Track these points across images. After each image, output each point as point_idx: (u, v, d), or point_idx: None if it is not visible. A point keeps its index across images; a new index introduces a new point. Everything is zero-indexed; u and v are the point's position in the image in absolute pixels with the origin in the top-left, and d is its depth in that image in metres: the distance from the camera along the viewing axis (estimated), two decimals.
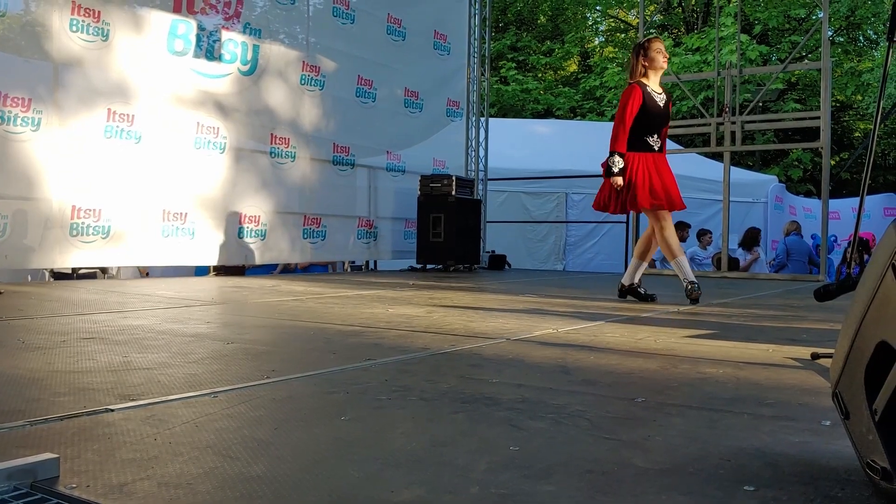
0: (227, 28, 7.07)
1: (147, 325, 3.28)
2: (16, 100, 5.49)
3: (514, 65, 21.67)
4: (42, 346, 2.63)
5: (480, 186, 10.01)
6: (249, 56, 7.27)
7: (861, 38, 21.71)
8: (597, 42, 25.27)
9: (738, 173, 12.88)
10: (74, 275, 6.67)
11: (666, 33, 21.26)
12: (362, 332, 3.14)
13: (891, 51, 2.47)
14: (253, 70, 7.32)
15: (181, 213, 6.64)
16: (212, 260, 7.00)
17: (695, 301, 4.77)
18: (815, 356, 2.57)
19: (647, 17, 12.28)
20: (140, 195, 6.29)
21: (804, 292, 6.15)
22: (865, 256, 9.12)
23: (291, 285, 5.96)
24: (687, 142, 16.17)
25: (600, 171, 4.98)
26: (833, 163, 18.74)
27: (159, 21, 6.51)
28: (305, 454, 1.42)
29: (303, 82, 7.82)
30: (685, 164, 10.86)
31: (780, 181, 15.85)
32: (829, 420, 1.69)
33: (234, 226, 7.12)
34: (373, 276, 8.01)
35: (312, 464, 1.36)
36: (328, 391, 1.99)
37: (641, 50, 4.94)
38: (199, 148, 6.80)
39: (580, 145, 12.13)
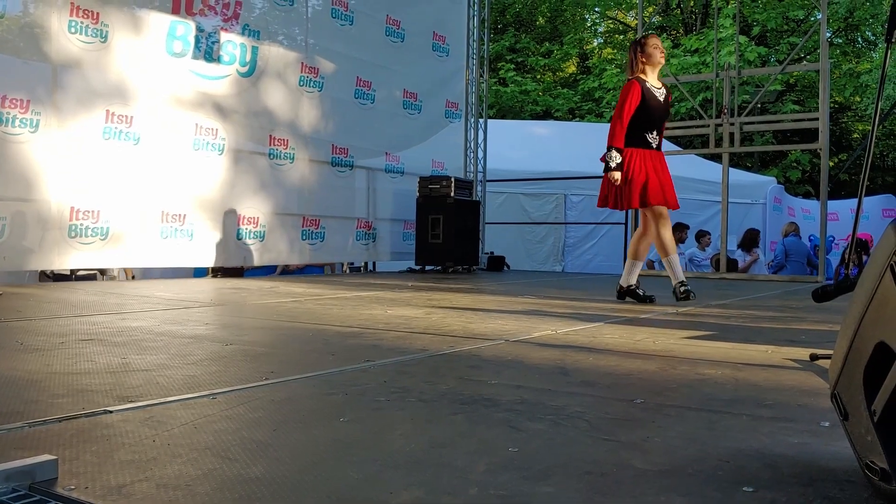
0: (226, 29, 7.07)
1: (146, 326, 3.28)
2: (14, 101, 5.49)
3: (512, 66, 21.69)
4: (41, 348, 2.63)
5: (479, 188, 10.01)
6: (248, 57, 7.27)
7: (859, 39, 21.73)
8: (595, 43, 25.29)
9: (737, 174, 12.89)
10: (73, 276, 6.66)
11: (665, 34, 21.28)
12: (361, 334, 3.14)
13: (889, 52, 2.47)
14: (252, 71, 7.32)
15: (180, 215, 6.64)
16: (210, 261, 7.00)
17: (685, 299, 4.78)
18: (813, 357, 2.57)
19: (645, 19, 12.29)
20: (139, 196, 6.29)
21: (803, 293, 6.15)
22: (864, 257, 9.13)
23: (290, 287, 5.96)
24: (686, 143, 16.18)
25: (599, 172, 4.98)
26: (832, 164, 18.76)
27: (158, 22, 6.52)
28: (304, 455, 1.42)
29: (301, 84, 7.82)
30: (684, 166, 10.87)
31: (779, 182, 15.87)
32: (827, 421, 1.69)
33: (232, 227, 7.12)
34: (371, 277, 8.01)
35: (311, 465, 1.36)
36: (327, 392, 1.99)
37: (639, 46, 4.95)
38: (197, 149, 6.80)
39: (579, 147, 12.14)
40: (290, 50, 7.80)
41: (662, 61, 4.97)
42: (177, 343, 2.80)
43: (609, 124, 4.92)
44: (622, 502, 1.19)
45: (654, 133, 4.88)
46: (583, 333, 3.28)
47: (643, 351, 2.78)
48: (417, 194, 8.77)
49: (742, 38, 16.47)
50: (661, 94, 4.91)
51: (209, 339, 2.99)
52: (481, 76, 10.21)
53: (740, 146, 8.67)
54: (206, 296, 5.11)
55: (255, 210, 7.33)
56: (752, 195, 13.09)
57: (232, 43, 7.12)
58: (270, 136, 7.51)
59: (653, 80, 4.92)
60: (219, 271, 7.28)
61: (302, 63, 7.83)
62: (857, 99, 19.75)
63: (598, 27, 25.22)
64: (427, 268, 8.85)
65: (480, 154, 10.09)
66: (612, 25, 24.60)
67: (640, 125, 4.81)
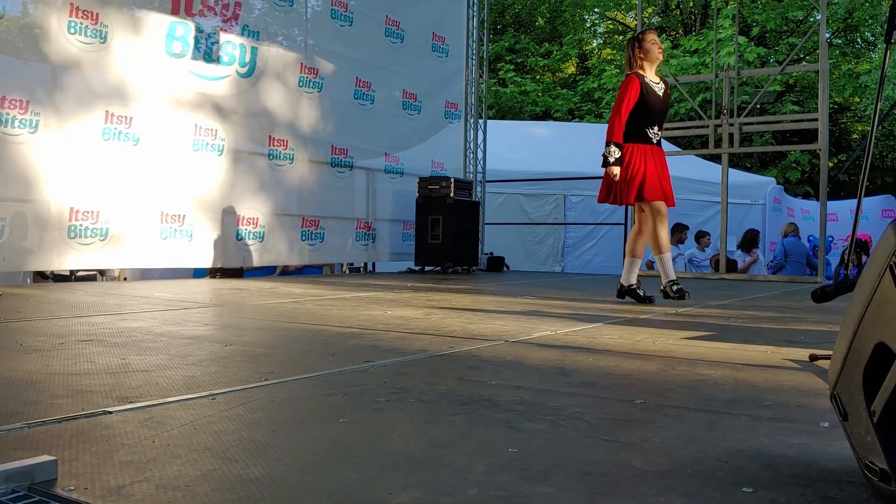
0: (226, 30, 7.07)
1: (145, 327, 3.28)
2: (14, 102, 5.49)
3: (512, 67, 21.69)
4: (40, 349, 2.63)
5: (479, 188, 10.01)
6: (248, 58, 7.28)
7: (859, 39, 21.74)
8: (595, 44, 25.29)
9: (737, 175, 12.89)
10: (73, 277, 6.66)
11: (664, 35, 21.29)
12: (361, 334, 3.14)
13: (888, 52, 2.47)
14: (251, 72, 7.32)
15: (179, 215, 6.64)
16: (210, 262, 7.00)
17: (679, 298, 4.78)
18: (813, 358, 2.57)
19: (644, 19, 12.30)
20: (138, 197, 6.29)
21: (802, 294, 6.15)
22: (864, 258, 9.13)
23: (289, 287, 5.96)
24: (685, 144, 16.18)
25: (599, 173, 4.98)
26: (831, 164, 18.77)
27: (157, 23, 6.52)
28: (304, 456, 1.42)
29: (301, 84, 7.82)
30: (683, 166, 10.87)
31: (779, 183, 15.88)
32: (827, 421, 1.70)
33: (232, 228, 7.12)
34: (371, 277, 8.01)
35: (311, 466, 1.36)
36: (326, 393, 1.99)
37: (636, 42, 4.93)
38: (197, 150, 6.80)
39: (578, 147, 12.14)
40: (290, 50, 7.81)
41: (660, 57, 4.97)
42: (176, 344, 2.80)
43: (609, 118, 4.92)
44: (622, 503, 1.19)
45: (655, 128, 4.87)
46: (582, 334, 3.28)
47: (643, 351, 2.78)
48: (417, 195, 8.77)
49: (741, 39, 16.48)
50: (660, 88, 4.91)
51: (209, 339, 2.99)
52: (481, 77, 10.22)
53: (740, 147, 8.67)
54: (206, 296, 5.11)
55: (254, 211, 7.33)
56: (751, 196, 13.09)
57: (231, 43, 7.12)
58: (270, 136, 7.51)
59: (651, 75, 4.91)
60: (218, 272, 7.28)
61: (301, 64, 7.83)
62: (857, 99, 19.76)
63: (597, 28, 25.22)
64: (426, 268, 8.85)
65: (480, 155, 10.09)
66: (611, 26, 24.61)
67: (641, 120, 4.80)
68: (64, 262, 5.89)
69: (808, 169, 19.36)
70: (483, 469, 1.33)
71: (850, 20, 19.54)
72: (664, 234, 4.86)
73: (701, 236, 10.59)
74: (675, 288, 4.85)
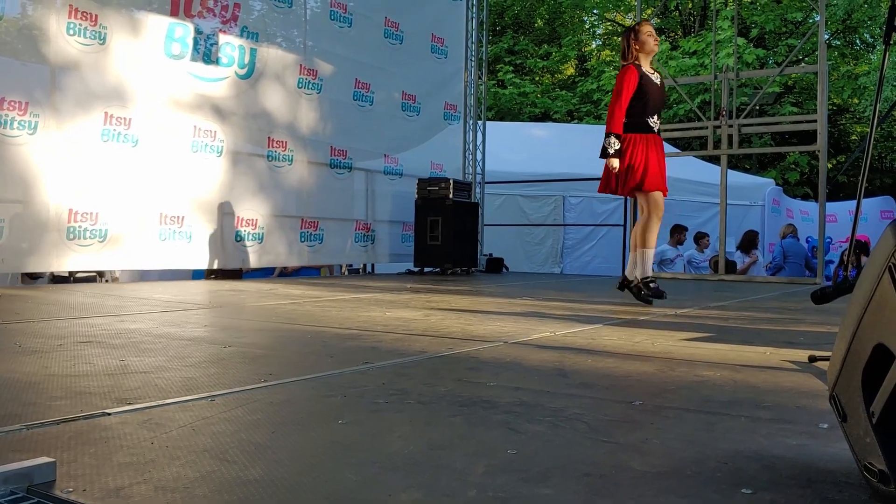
0: (225, 31, 7.07)
1: (144, 328, 3.28)
2: (13, 103, 5.49)
3: (511, 68, 21.71)
4: (39, 350, 2.63)
5: (478, 189, 10.02)
6: (247, 59, 7.28)
7: (857, 41, 21.77)
8: (594, 45, 25.32)
9: (736, 176, 12.90)
10: (72, 278, 6.65)
11: (663, 36, 21.31)
12: (360, 336, 3.14)
13: (887, 54, 2.47)
14: (250, 73, 7.32)
15: (178, 217, 6.64)
16: (209, 263, 7.00)
17: (656, 297, 4.76)
18: (812, 359, 2.57)
19: (644, 19, 12.29)
20: (137, 199, 6.29)
21: (801, 295, 6.15)
22: (863, 259, 9.14)
23: (288, 289, 5.96)
24: (684, 145, 16.19)
25: (598, 174, 4.97)
26: (830, 166, 18.78)
27: (156, 24, 6.52)
28: (303, 458, 1.42)
29: (300, 86, 7.82)
30: (682, 168, 10.88)
31: (778, 184, 15.90)
32: (826, 423, 1.70)
33: (231, 229, 7.12)
34: (370, 279, 8.01)
35: (310, 467, 1.36)
36: (325, 395, 1.99)
37: (632, 33, 4.92)
38: (196, 151, 6.79)
39: (577, 148, 12.14)
40: (289, 52, 7.81)
41: (656, 49, 4.95)
42: (175, 345, 2.80)
43: (608, 109, 4.89)
44: None
45: (655, 117, 4.87)
46: (581, 335, 3.28)
47: (642, 353, 2.78)
48: (416, 196, 8.77)
49: (740, 40, 16.50)
50: (656, 78, 4.92)
51: (208, 341, 2.99)
52: (480, 78, 10.22)
53: (739, 148, 8.67)
54: (205, 298, 5.11)
55: (253, 212, 7.33)
56: (750, 197, 13.10)
57: (230, 45, 7.12)
58: (269, 137, 7.51)
59: (647, 66, 4.90)
60: (217, 273, 7.27)
61: (300, 65, 7.84)
62: (856, 101, 19.78)
63: (596, 29, 25.24)
64: (426, 269, 8.85)
65: (479, 156, 10.10)
66: (610, 27, 24.63)
67: (640, 110, 4.78)
68: (63, 263, 5.89)
69: (807, 170, 19.38)
70: (482, 470, 1.33)
71: (848, 22, 19.56)
72: (655, 230, 4.83)
73: (700, 237, 10.59)
74: (652, 285, 4.80)
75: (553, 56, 22.62)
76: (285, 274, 8.67)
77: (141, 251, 6.34)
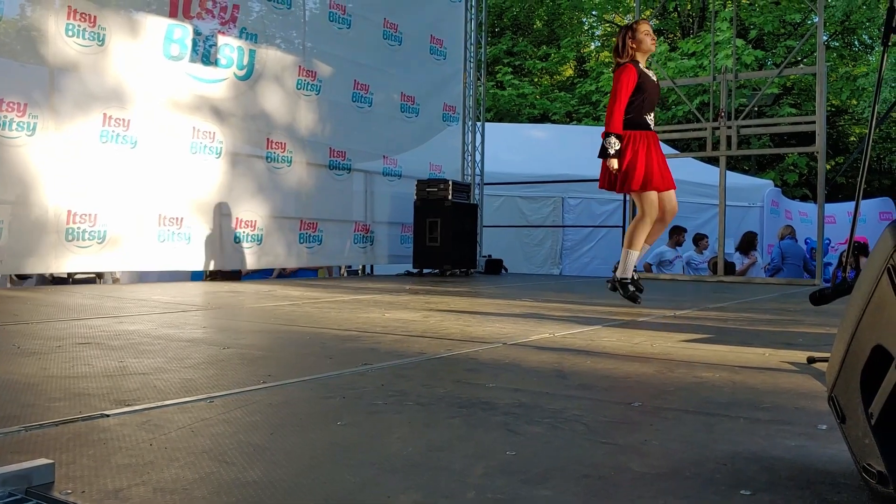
0: (224, 33, 7.07)
1: (143, 330, 3.28)
2: (11, 104, 5.48)
3: (510, 69, 21.72)
4: (37, 352, 2.62)
5: (477, 191, 10.02)
6: (245, 61, 7.28)
7: (856, 42, 21.79)
8: (593, 47, 25.34)
9: (734, 178, 12.91)
10: (70, 280, 6.65)
11: (662, 38, 21.33)
12: (358, 337, 3.14)
13: (885, 55, 2.48)
14: (249, 75, 7.32)
15: (177, 218, 6.63)
16: (208, 265, 6.99)
17: (631, 299, 4.77)
18: (811, 360, 2.57)
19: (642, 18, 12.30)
20: (136, 200, 6.28)
21: (800, 296, 6.15)
22: (862, 260, 9.14)
23: (287, 290, 5.96)
24: (683, 146, 16.20)
25: (597, 175, 4.95)
26: (828, 167, 18.78)
27: (155, 26, 6.51)
28: (301, 459, 1.42)
29: (299, 87, 7.82)
30: (681, 169, 10.86)
31: (776, 185, 15.90)
32: (825, 424, 1.70)
33: (230, 230, 7.11)
34: (369, 280, 8.01)
35: (308, 469, 1.36)
36: (324, 396, 1.98)
37: (629, 31, 4.88)
38: (195, 153, 6.79)
39: (576, 150, 12.15)
40: (288, 53, 7.81)
41: (653, 48, 4.92)
42: (174, 346, 2.80)
43: (606, 108, 4.85)
44: None
45: (651, 115, 4.87)
46: (580, 337, 3.28)
47: (641, 354, 2.78)
48: (415, 197, 8.76)
49: (739, 42, 16.51)
50: (653, 76, 4.92)
51: (206, 342, 2.99)
52: (479, 79, 10.22)
53: (737, 149, 8.68)
54: (203, 299, 5.10)
55: (252, 213, 7.33)
56: (749, 198, 13.10)
57: (229, 46, 7.12)
58: (268, 139, 7.51)
59: (643, 65, 4.89)
60: (216, 274, 7.27)
61: (299, 66, 7.84)
62: (854, 102, 19.79)
63: (595, 30, 25.26)
64: (425, 271, 8.85)
65: (478, 157, 10.10)
66: (609, 29, 24.64)
67: (639, 108, 4.75)
68: (62, 264, 5.88)
69: (805, 171, 19.40)
70: (481, 472, 1.33)
71: (847, 23, 19.58)
72: (644, 232, 4.82)
73: (699, 239, 10.60)
74: (630, 289, 4.77)
75: (552, 57, 22.64)
76: (284, 275, 8.67)
77: (140, 252, 6.34)
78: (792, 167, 19.12)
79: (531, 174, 11.86)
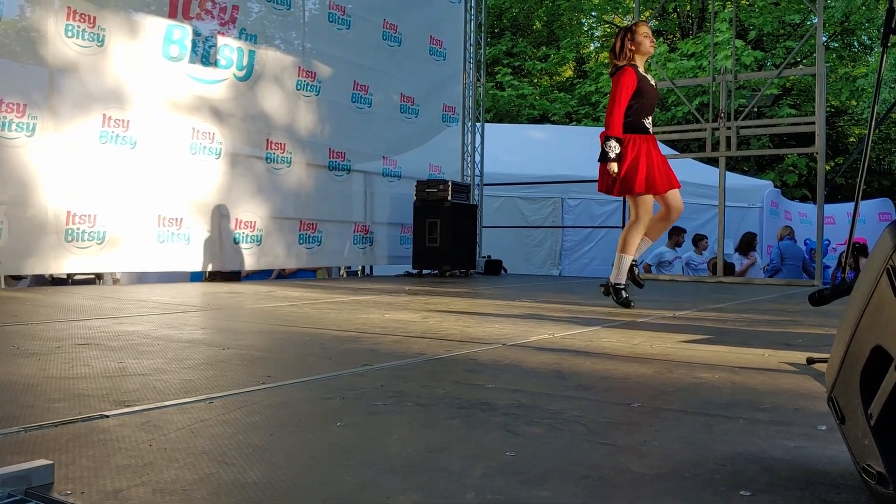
0: (223, 33, 7.07)
1: (142, 330, 3.28)
2: (11, 105, 5.48)
3: (509, 70, 21.72)
4: (37, 352, 2.62)
5: (476, 192, 10.02)
6: (245, 61, 7.28)
7: (855, 43, 21.80)
8: (592, 48, 25.34)
9: (734, 178, 12.91)
10: (70, 280, 6.64)
11: (661, 39, 21.34)
12: (358, 338, 3.14)
13: (885, 56, 2.48)
14: (249, 75, 7.32)
15: (176, 219, 6.63)
16: (207, 265, 6.99)
17: (607, 295, 4.78)
18: (810, 361, 2.57)
19: (642, 19, 12.32)
20: (135, 201, 6.28)
21: (799, 297, 6.16)
22: (861, 260, 9.14)
23: (287, 291, 5.96)
24: (682, 147, 16.21)
25: (596, 176, 4.95)
26: (828, 168, 18.80)
27: (155, 26, 6.51)
28: (301, 460, 1.42)
29: (298, 88, 7.82)
30: (681, 170, 10.83)
31: (776, 186, 15.91)
32: (824, 425, 1.70)
33: (229, 231, 7.11)
34: (368, 281, 8.01)
35: (308, 469, 1.36)
36: (324, 397, 1.98)
37: (628, 33, 4.84)
38: (194, 153, 6.79)
39: (576, 150, 12.15)
40: (287, 54, 7.81)
41: (652, 50, 4.89)
42: (173, 347, 2.80)
43: (606, 111, 4.82)
44: None
45: (649, 119, 4.85)
46: (580, 337, 3.28)
47: (640, 355, 2.78)
48: (414, 198, 8.77)
49: (738, 43, 16.52)
50: (651, 79, 4.91)
51: (206, 343, 2.98)
52: (478, 80, 10.22)
53: (737, 150, 8.68)
54: (203, 300, 5.10)
55: (251, 214, 7.33)
56: (748, 199, 13.11)
57: (229, 47, 7.12)
58: (267, 140, 7.51)
59: (641, 67, 4.85)
60: (215, 275, 7.27)
61: (299, 67, 7.84)
62: (853, 103, 19.81)
63: (594, 31, 25.27)
64: (424, 272, 8.85)
65: (477, 158, 10.10)
66: (608, 30, 24.65)
67: (638, 112, 4.73)
68: (61, 265, 5.88)
69: (805, 172, 19.40)
70: (481, 473, 1.33)
71: (846, 24, 19.59)
72: (638, 236, 4.82)
73: (699, 239, 10.60)
74: (623, 295, 4.75)
75: (551, 58, 22.65)
76: (283, 276, 8.67)
77: (139, 253, 6.34)
78: (791, 168, 19.12)
79: (531, 175, 11.86)
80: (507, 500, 1.20)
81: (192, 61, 6.80)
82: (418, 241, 8.72)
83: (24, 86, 5.61)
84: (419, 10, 9.37)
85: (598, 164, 4.82)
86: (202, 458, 1.39)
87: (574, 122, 20.83)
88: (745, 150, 15.27)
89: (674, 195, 4.82)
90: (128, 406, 1.80)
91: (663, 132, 9.92)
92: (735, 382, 2.25)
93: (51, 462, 1.26)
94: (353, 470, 1.34)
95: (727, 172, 8.83)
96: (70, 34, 5.86)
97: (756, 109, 15.26)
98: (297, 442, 1.55)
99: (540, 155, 13.00)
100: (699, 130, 8.97)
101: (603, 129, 4.85)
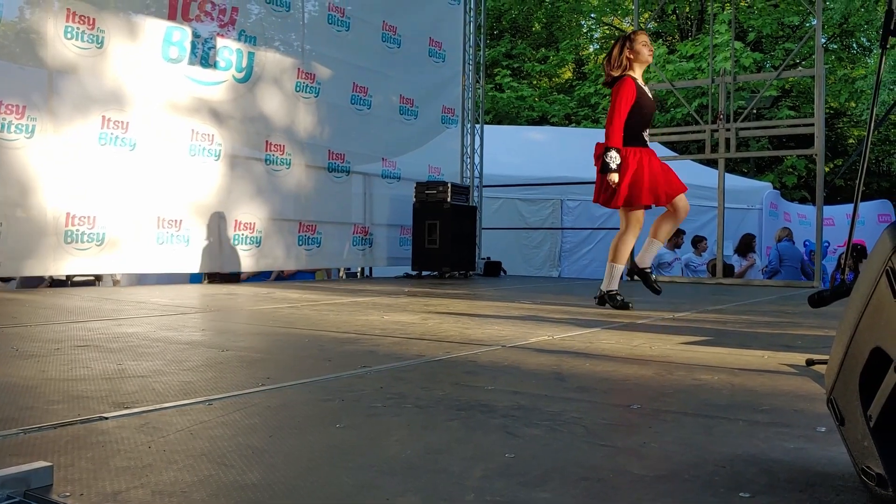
0: (222, 35, 7.07)
1: (142, 332, 3.27)
2: (10, 107, 5.48)
3: (508, 72, 21.73)
4: (36, 354, 2.62)
5: (476, 193, 10.02)
6: (244, 63, 7.28)
7: (854, 45, 21.82)
8: (591, 49, 25.36)
9: (733, 180, 12.91)
10: (69, 282, 6.64)
11: (660, 40, 21.36)
12: (357, 340, 3.14)
13: (884, 58, 2.48)
14: (248, 77, 7.32)
15: (176, 221, 6.63)
16: (206, 267, 6.99)
17: (602, 304, 4.79)
18: (809, 362, 2.57)
19: (641, 25, 12.32)
20: (135, 202, 6.28)
21: (798, 298, 6.16)
22: (861, 262, 9.14)
23: (286, 292, 5.95)
24: (681, 149, 16.20)
25: (595, 177, 4.94)
26: (827, 169, 18.80)
27: (154, 28, 6.51)
28: (300, 462, 1.42)
29: (298, 89, 7.82)
30: (680, 171, 10.85)
31: (775, 188, 15.91)
32: (824, 426, 1.70)
33: (228, 233, 7.11)
34: (368, 283, 8.01)
35: (307, 471, 1.36)
36: (323, 399, 1.98)
37: (627, 42, 4.82)
38: (193, 155, 6.79)
39: (575, 152, 12.13)
40: (287, 56, 7.81)
41: (650, 59, 4.86)
42: (173, 349, 2.79)
43: (606, 122, 4.80)
44: None
45: (646, 132, 4.84)
46: (579, 339, 3.28)
47: (640, 356, 2.78)
48: (414, 200, 8.77)
49: (737, 44, 16.54)
50: (649, 90, 4.90)
51: (205, 345, 2.98)
52: (477, 82, 10.23)
53: (736, 151, 8.69)
54: (202, 302, 5.10)
55: (251, 216, 7.32)
56: (748, 200, 13.11)
57: (228, 49, 7.12)
58: (267, 141, 7.51)
59: (639, 77, 4.84)
60: (215, 277, 7.26)
61: (298, 69, 7.84)
62: (853, 104, 19.82)
63: (594, 33, 25.29)
64: (423, 273, 8.85)
65: (477, 159, 10.10)
66: (608, 31, 24.67)
67: (636, 123, 4.71)
68: (60, 267, 5.88)
69: (804, 174, 19.41)
70: (480, 474, 1.33)
71: (845, 25, 19.61)
72: (629, 246, 4.86)
73: (698, 241, 10.61)
74: (618, 299, 4.75)
75: (550, 60, 22.66)
76: (282, 277, 8.66)
77: (138, 255, 6.34)
78: (791, 169, 19.13)
79: (530, 176, 11.87)
80: (506, 501, 1.20)
81: (191, 63, 6.80)
82: (417, 242, 8.72)
83: (24, 87, 5.61)
84: (418, 12, 9.37)
85: (597, 174, 4.81)
86: (201, 460, 1.39)
87: (573, 124, 20.83)
88: (745, 151, 15.29)
89: (680, 196, 4.83)
90: (127, 408, 1.80)
91: (662, 134, 9.93)
92: (734, 384, 2.25)
93: (50, 464, 1.26)
94: (353, 471, 1.34)
95: (726, 174, 8.84)
96: (69, 36, 5.86)
97: (755, 111, 15.26)
98: (296, 444, 1.54)
99: (539, 156, 13.01)
100: (698, 132, 8.98)
101: (601, 134, 4.84)
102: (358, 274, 9.41)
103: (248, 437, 1.57)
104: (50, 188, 5.71)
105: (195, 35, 6.83)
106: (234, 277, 7.52)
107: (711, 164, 10.65)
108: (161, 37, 6.57)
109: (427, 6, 9.57)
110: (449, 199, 8.58)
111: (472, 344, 3.05)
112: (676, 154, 12.42)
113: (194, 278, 7.49)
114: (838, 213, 14.26)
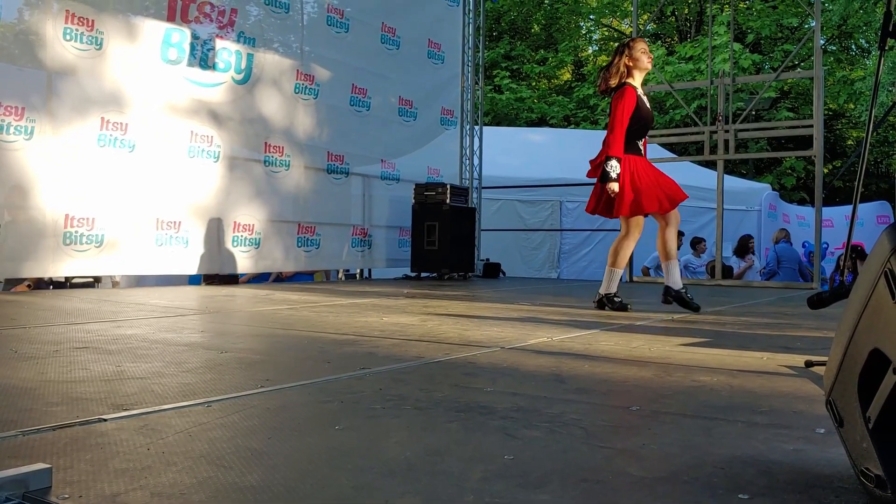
0: (221, 37, 7.07)
1: (140, 334, 3.27)
2: (9, 108, 5.48)
3: (507, 73, 21.75)
4: (35, 356, 2.62)
5: (475, 195, 10.02)
6: (243, 65, 7.28)
7: (853, 46, 21.85)
8: (590, 51, 25.38)
9: (732, 181, 12.92)
10: (68, 284, 6.64)
11: (659, 42, 21.38)
12: (356, 341, 3.14)
13: (882, 59, 2.48)
14: (247, 79, 7.32)
15: (175, 222, 6.63)
16: (205, 269, 6.98)
17: (601, 308, 4.79)
18: (808, 364, 2.57)
19: (640, 26, 12.33)
20: (134, 204, 6.28)
21: (797, 300, 6.16)
22: (859, 263, 9.15)
23: (285, 294, 5.95)
24: (680, 150, 16.17)
25: (595, 179, 4.93)
26: (826, 171, 18.80)
27: (153, 30, 6.51)
28: (299, 463, 1.42)
29: (297, 91, 7.82)
30: (679, 173, 10.87)
31: (774, 189, 15.92)
32: (823, 428, 1.70)
33: (227, 234, 7.11)
34: (367, 284, 8.01)
35: (306, 473, 1.36)
36: (322, 400, 1.98)
37: (626, 49, 4.80)
38: (192, 157, 6.79)
39: (574, 153, 12.11)
40: (286, 57, 7.81)
41: (649, 66, 4.84)
42: (172, 351, 2.79)
43: (606, 131, 4.80)
44: None
45: (643, 142, 4.83)
46: (578, 340, 3.28)
47: (639, 358, 2.78)
48: (413, 201, 8.76)
49: (736, 46, 16.54)
50: (648, 100, 4.90)
51: (204, 346, 2.98)
52: (476, 83, 10.23)
53: (735, 153, 8.70)
54: (201, 303, 5.10)
55: (250, 217, 7.32)
56: (746, 202, 13.12)
57: (227, 50, 7.12)
58: (266, 143, 7.50)
59: (638, 85, 4.83)
60: (214, 278, 7.26)
61: (297, 70, 7.84)
62: (851, 106, 19.83)
63: (592, 35, 25.30)
64: (423, 275, 8.84)
65: (476, 161, 10.10)
66: (606, 33, 24.70)
67: (634, 132, 4.70)
68: (59, 269, 5.88)
69: (803, 175, 19.42)
70: (479, 476, 1.33)
71: (844, 27, 19.63)
72: (628, 252, 4.89)
73: (697, 242, 10.61)
74: (617, 301, 4.76)
75: (549, 61, 22.67)
76: (280, 279, 8.66)
77: (137, 256, 6.33)
78: (789, 171, 19.15)
79: (529, 178, 11.87)
80: (505, 503, 1.20)
81: (190, 64, 6.80)
82: (417, 244, 8.72)
83: (23, 89, 5.61)
84: (418, 14, 9.37)
85: (595, 184, 4.81)
86: (200, 462, 1.39)
87: (572, 125, 20.85)
88: (743, 153, 15.29)
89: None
90: (126, 410, 1.80)
91: (661, 135, 9.94)
92: (733, 385, 2.25)
93: (49, 466, 1.26)
94: (352, 473, 1.34)
95: (725, 175, 8.85)
96: (68, 37, 5.85)
97: (754, 112, 15.27)
98: (295, 445, 1.54)
99: (538, 158, 13.01)
100: (697, 133, 8.99)
101: (600, 136, 4.84)
102: (357, 275, 9.41)
103: (247, 438, 1.57)
104: (49, 190, 5.71)
105: (194, 36, 6.83)
106: (233, 279, 7.52)
107: (710, 165, 10.67)
108: (160, 38, 6.57)
109: (426, 8, 9.58)
110: (448, 201, 8.58)
111: (471, 345, 3.05)
112: (675, 155, 12.42)
113: (193, 280, 7.49)
114: (837, 215, 14.26)
